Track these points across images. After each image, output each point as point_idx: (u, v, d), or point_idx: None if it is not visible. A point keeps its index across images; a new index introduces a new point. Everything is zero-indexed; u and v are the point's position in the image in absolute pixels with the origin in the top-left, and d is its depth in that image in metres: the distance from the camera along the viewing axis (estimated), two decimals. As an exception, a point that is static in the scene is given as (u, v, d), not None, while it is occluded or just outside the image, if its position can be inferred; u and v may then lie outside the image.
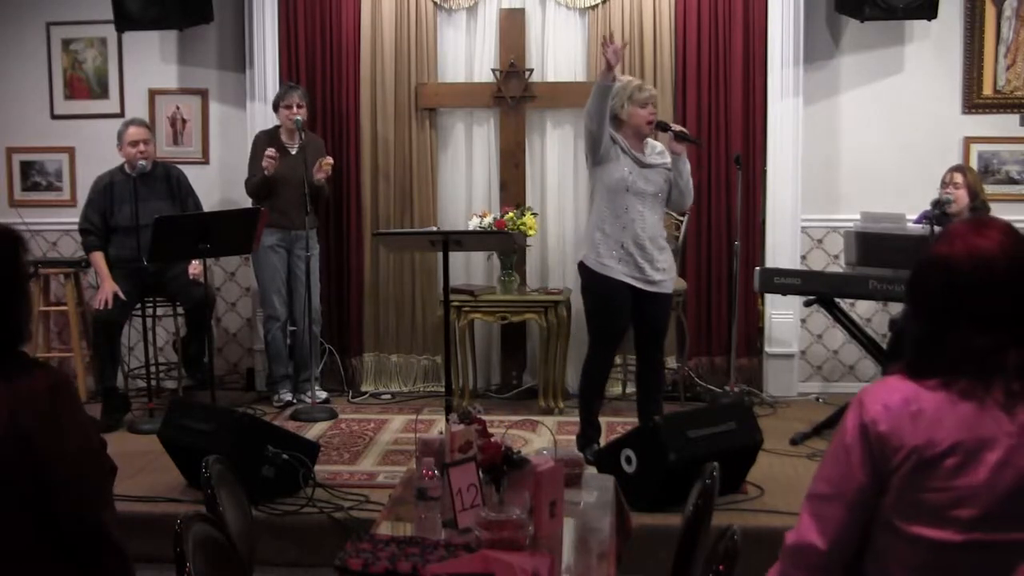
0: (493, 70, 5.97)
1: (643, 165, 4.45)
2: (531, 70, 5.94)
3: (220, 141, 6.29)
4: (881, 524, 1.74)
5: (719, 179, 5.85)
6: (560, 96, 5.95)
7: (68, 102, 6.34)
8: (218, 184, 6.23)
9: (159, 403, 5.33)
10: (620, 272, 4.43)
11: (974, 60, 5.88)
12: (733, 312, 5.66)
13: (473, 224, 5.64)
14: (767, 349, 5.94)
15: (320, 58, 6.06)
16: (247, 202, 5.71)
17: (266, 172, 5.48)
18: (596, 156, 4.42)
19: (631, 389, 5.73)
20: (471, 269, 6.13)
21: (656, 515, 3.74)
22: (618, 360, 5.21)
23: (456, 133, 6.15)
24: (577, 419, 4.77)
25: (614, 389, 5.75)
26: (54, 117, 6.36)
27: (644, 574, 3.24)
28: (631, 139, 4.45)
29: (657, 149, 4.53)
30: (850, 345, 5.79)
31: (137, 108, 6.20)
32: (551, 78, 6.00)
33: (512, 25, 5.96)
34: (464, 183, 6.14)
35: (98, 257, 5.42)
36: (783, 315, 5.90)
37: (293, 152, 5.66)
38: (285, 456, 4.01)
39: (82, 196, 5.73)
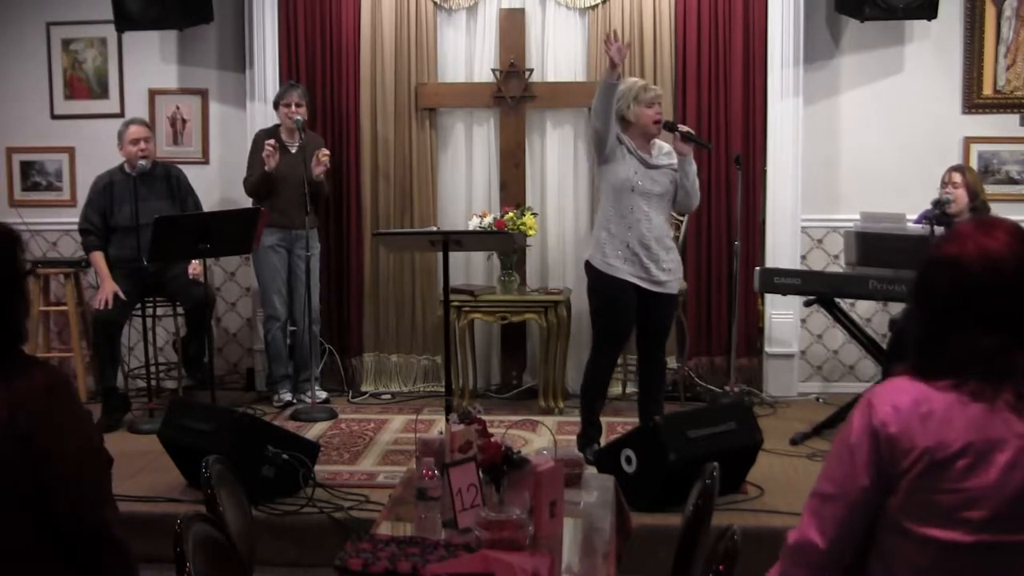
0: (493, 70, 5.97)
1: (649, 166, 4.45)
2: (531, 70, 5.94)
3: (220, 141, 6.29)
4: (888, 525, 1.74)
5: (719, 179, 5.85)
6: (560, 96, 5.96)
7: (68, 102, 6.35)
8: (218, 184, 6.23)
9: (159, 403, 5.33)
10: (626, 272, 4.43)
11: (974, 60, 5.88)
12: (733, 312, 5.66)
13: (473, 224, 5.64)
14: (767, 349, 5.95)
15: (320, 58, 6.06)
16: (247, 202, 5.71)
17: (266, 166, 5.47)
18: (602, 155, 4.43)
19: (631, 389, 5.74)
20: (471, 269, 6.13)
21: (656, 515, 3.74)
22: (618, 360, 5.21)
23: (456, 133, 6.15)
24: (577, 419, 4.77)
25: (614, 389, 5.74)
26: (54, 117, 6.36)
27: (644, 574, 3.24)
28: (638, 140, 4.46)
29: (664, 150, 4.53)
30: (850, 345, 5.79)
31: (137, 108, 6.20)
32: (551, 78, 6.01)
33: (512, 25, 5.96)
34: (464, 183, 6.14)
35: (98, 257, 5.42)
36: (783, 315, 5.90)
37: (293, 151, 5.66)
38: (285, 456, 4.00)
39: (82, 196, 5.73)
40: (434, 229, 5.68)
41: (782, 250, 5.85)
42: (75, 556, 1.96)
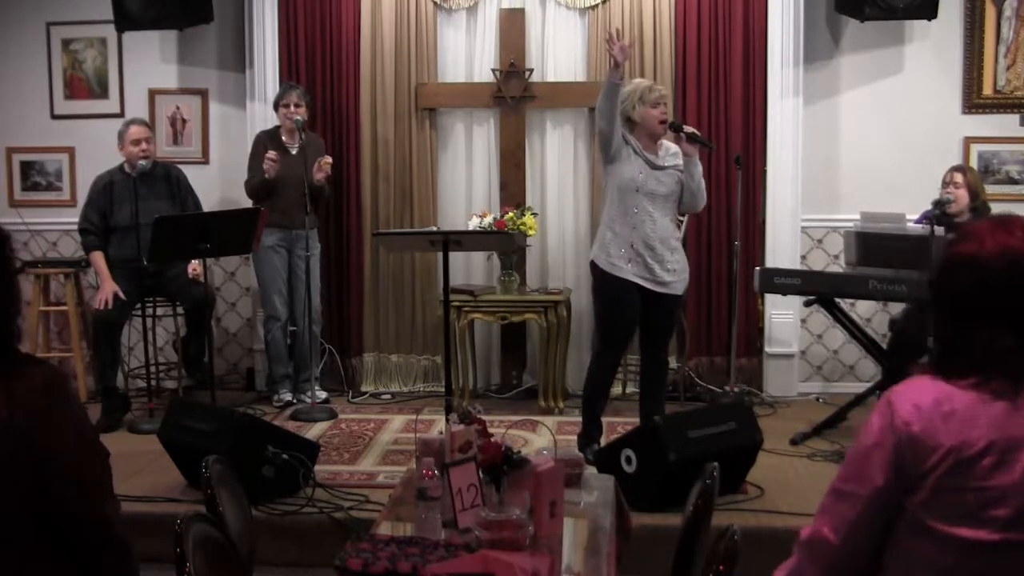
0: (493, 70, 5.97)
1: (655, 167, 4.45)
2: (531, 70, 5.94)
3: (220, 141, 6.29)
4: (909, 525, 1.73)
5: (719, 179, 5.85)
6: (560, 96, 5.96)
7: (68, 102, 6.35)
8: (218, 184, 6.23)
9: (159, 403, 5.32)
10: (630, 272, 4.44)
11: (974, 60, 5.88)
12: (733, 312, 5.66)
13: (473, 224, 5.64)
14: (767, 349, 5.95)
15: (320, 58, 6.06)
16: (247, 202, 5.70)
17: (267, 175, 5.48)
18: (608, 155, 4.44)
19: (632, 389, 5.74)
20: (471, 269, 6.13)
21: (656, 515, 3.74)
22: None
23: (456, 133, 6.15)
24: (577, 419, 4.77)
25: (615, 389, 5.73)
26: (54, 117, 6.36)
27: (644, 574, 3.23)
28: (644, 140, 4.46)
29: (671, 151, 4.53)
30: (850, 345, 5.79)
31: (137, 108, 6.20)
32: (551, 78, 6.01)
33: (512, 25, 5.96)
34: (464, 183, 6.14)
35: (98, 257, 5.42)
36: (783, 315, 5.90)
37: (293, 152, 5.66)
38: (285, 456, 4.00)
39: (82, 196, 5.73)
40: (434, 229, 5.68)
41: (782, 250, 5.85)
42: (76, 556, 1.96)
